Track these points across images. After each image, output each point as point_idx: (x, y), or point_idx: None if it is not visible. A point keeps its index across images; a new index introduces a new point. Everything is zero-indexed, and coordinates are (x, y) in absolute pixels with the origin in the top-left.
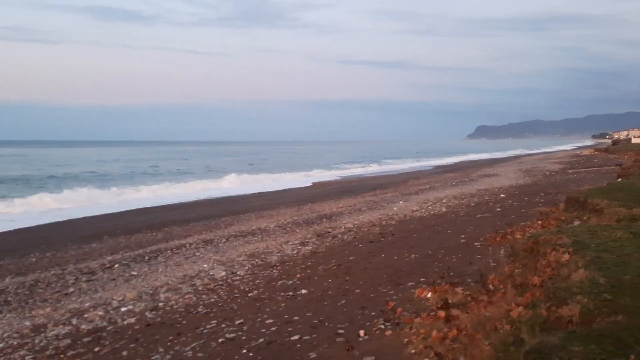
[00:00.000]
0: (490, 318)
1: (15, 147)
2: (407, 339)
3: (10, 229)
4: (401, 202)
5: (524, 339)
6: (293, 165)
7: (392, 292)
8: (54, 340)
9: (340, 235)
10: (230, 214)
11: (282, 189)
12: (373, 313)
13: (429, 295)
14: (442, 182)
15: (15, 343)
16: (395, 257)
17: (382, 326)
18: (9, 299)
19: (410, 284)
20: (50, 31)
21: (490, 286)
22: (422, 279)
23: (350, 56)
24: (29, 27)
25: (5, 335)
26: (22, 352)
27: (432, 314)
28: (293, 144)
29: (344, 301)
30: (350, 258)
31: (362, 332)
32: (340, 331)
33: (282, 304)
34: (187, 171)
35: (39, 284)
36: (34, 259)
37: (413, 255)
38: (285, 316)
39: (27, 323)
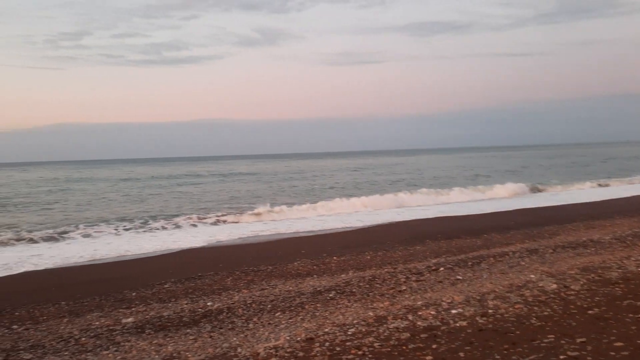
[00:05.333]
0: None
1: (355, 158)
2: None
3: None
4: None
5: None
6: (623, 168)
7: None
8: (395, 332)
9: None
10: (554, 222)
11: (614, 197)
12: None
13: None
14: None
15: (363, 330)
16: None
17: None
18: (354, 290)
19: None
20: (374, 52)
21: None
22: None
23: None
24: (356, 51)
25: (354, 322)
26: (370, 339)
27: None
28: (627, 144)
29: None
30: None
31: None
32: None
33: (632, 327)
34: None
35: (376, 279)
36: (368, 257)
37: None
38: (639, 341)
39: (370, 313)
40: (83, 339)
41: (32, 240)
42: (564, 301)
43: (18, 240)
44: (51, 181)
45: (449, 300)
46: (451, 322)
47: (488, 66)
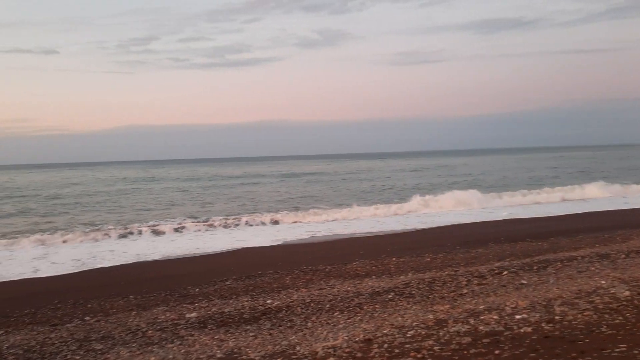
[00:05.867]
0: None
1: (434, 158)
2: None
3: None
4: None
5: None
6: None
7: None
8: (456, 336)
9: None
10: (628, 226)
11: None
12: None
13: None
14: None
15: (423, 333)
16: None
17: None
18: (413, 292)
19: None
20: (435, 51)
21: None
22: None
23: None
24: (417, 50)
25: (414, 324)
26: (430, 342)
27: None
28: None
29: None
30: None
31: None
32: None
33: None
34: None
35: (436, 282)
36: (428, 259)
37: None
38: None
39: (430, 316)
40: (150, 331)
41: (105, 237)
42: (638, 309)
43: (91, 237)
44: (121, 180)
45: (512, 305)
46: (515, 327)
47: (556, 64)
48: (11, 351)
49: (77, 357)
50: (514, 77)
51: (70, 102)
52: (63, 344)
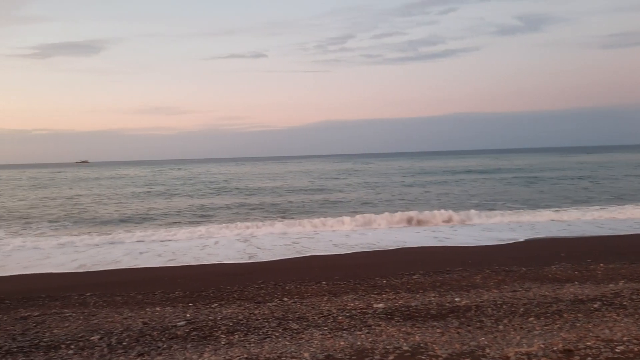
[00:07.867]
0: None
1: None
2: None
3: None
4: None
5: None
6: None
7: None
8: None
9: None
10: None
11: None
12: None
13: None
14: None
15: (636, 349)
16: None
17: None
18: (624, 303)
19: None
20: None
21: None
22: None
23: None
24: (635, 30)
25: (624, 338)
26: None
27: None
28: None
29: None
30: None
31: None
32: None
33: None
34: None
35: None
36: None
37: None
38: None
39: None
40: (340, 317)
41: (300, 226)
42: None
43: (288, 225)
44: (329, 172)
45: None
46: None
47: None
48: (224, 322)
49: (277, 334)
50: None
51: (275, 101)
52: (265, 320)
